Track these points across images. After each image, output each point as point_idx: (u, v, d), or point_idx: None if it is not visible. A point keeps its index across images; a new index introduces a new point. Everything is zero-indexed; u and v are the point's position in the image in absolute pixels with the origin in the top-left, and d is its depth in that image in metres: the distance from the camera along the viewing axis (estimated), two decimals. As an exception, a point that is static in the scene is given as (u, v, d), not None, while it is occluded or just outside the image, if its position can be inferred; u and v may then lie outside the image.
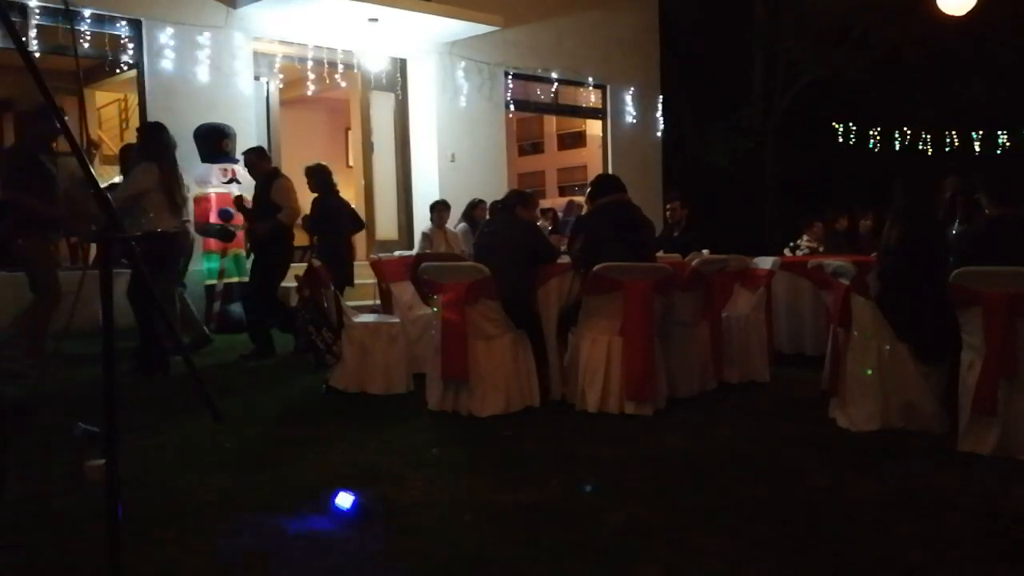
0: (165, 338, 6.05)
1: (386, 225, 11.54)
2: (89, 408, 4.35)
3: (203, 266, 8.51)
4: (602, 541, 2.96)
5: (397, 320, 5.86)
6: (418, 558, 2.84)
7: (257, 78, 10.15)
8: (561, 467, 3.88)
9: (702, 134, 18.28)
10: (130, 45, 9.08)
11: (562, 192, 17.52)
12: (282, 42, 10.21)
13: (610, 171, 12.27)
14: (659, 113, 14.33)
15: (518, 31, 12.05)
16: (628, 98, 13.81)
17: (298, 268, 6.85)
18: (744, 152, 18.19)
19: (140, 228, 5.89)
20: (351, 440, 4.39)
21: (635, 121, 13.92)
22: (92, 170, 1.96)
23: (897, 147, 19.02)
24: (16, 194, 5.91)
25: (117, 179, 7.52)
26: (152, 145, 6.27)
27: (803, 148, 18.21)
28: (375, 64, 11.10)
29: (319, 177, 7.37)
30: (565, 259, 5.50)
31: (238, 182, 8.84)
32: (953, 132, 18.87)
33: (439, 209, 9.69)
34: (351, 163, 12.46)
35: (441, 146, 11.51)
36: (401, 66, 11.50)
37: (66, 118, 2.11)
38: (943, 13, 9.07)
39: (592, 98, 13.59)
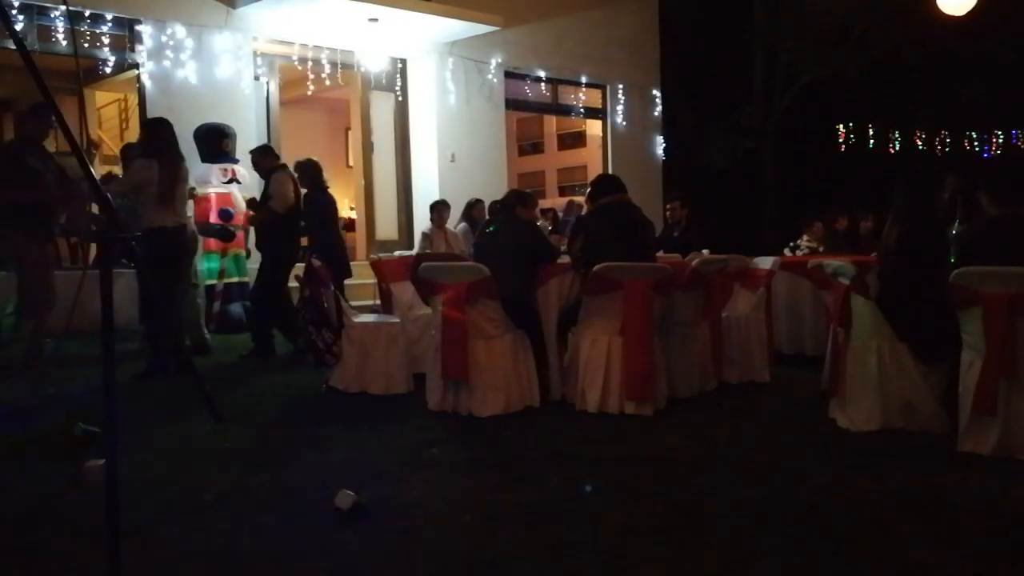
0: (165, 337, 6.05)
1: (386, 225, 11.54)
2: (89, 408, 4.35)
3: (203, 266, 8.51)
4: (602, 541, 2.96)
5: (397, 320, 5.86)
6: (418, 558, 2.84)
7: (257, 78, 10.15)
8: (561, 467, 3.88)
9: (702, 134, 18.28)
10: (130, 45, 9.08)
11: (562, 192, 17.50)
12: (282, 42, 10.21)
13: (610, 171, 12.27)
14: (659, 113, 14.33)
15: (518, 31, 12.05)
16: (628, 98, 13.81)
17: (297, 268, 6.85)
18: (744, 152, 18.20)
19: (136, 224, 5.87)
20: (351, 440, 4.39)
21: (635, 121, 13.91)
22: (92, 170, 1.96)
23: (897, 147, 19.02)
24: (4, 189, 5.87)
25: (116, 169, 7.51)
26: (153, 141, 6.26)
27: (803, 148, 18.22)
28: (375, 64, 11.10)
29: (309, 173, 7.36)
30: (565, 259, 5.50)
31: (238, 182, 8.85)
32: (953, 132, 18.87)
33: (439, 209, 9.69)
34: (351, 163, 12.46)
35: (441, 146, 11.51)
36: (401, 66, 11.50)
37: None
38: (943, 13, 9.07)
39: (592, 98, 13.59)
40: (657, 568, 2.72)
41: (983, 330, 3.91)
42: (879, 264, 4.86)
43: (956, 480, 3.59)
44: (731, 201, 16.81)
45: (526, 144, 18.73)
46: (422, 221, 10.58)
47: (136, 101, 9.68)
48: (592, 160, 15.04)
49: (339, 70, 10.63)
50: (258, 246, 7.58)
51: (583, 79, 13.21)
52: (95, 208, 6.11)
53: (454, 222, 10.10)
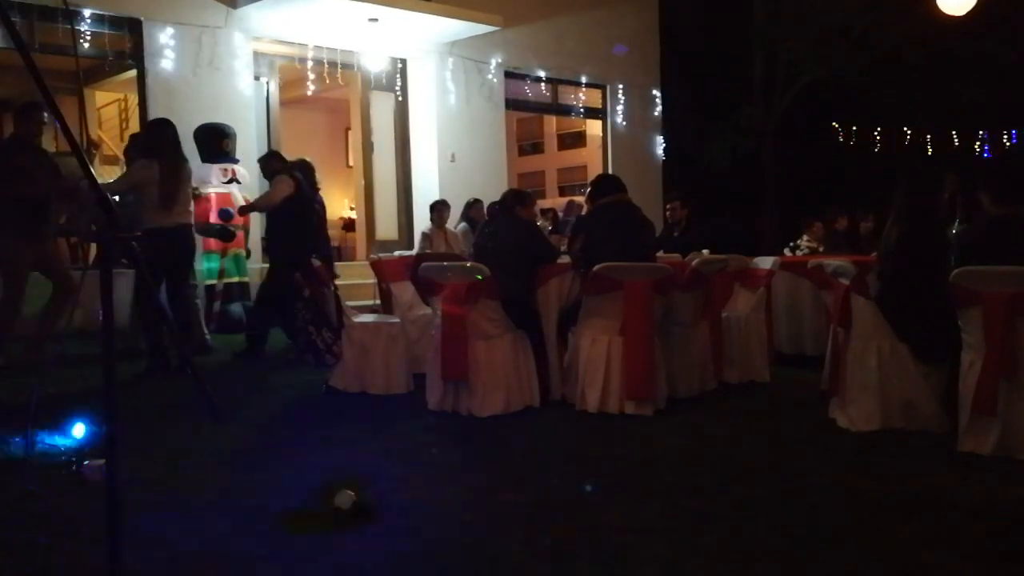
0: (165, 337, 6.05)
1: (386, 225, 11.54)
2: (89, 408, 4.35)
3: (203, 266, 8.51)
4: (602, 541, 2.96)
5: (397, 320, 5.86)
6: (418, 558, 2.84)
7: (257, 78, 10.15)
8: (561, 467, 3.88)
9: (702, 134, 18.27)
10: (130, 45, 9.08)
11: (562, 192, 17.51)
12: (282, 42, 10.22)
13: (610, 171, 12.27)
14: (659, 113, 14.33)
15: (518, 31, 12.05)
16: (628, 98, 13.81)
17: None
18: (744, 152, 18.19)
19: (136, 224, 5.88)
20: (351, 440, 4.39)
21: (635, 121, 13.91)
22: (92, 170, 1.96)
23: (897, 147, 19.02)
24: None
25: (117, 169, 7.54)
26: (155, 142, 6.27)
27: (803, 148, 18.21)
28: (375, 64, 11.09)
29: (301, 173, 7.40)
30: (565, 259, 5.50)
31: (238, 182, 8.85)
32: (953, 132, 18.87)
33: (439, 209, 9.69)
34: (351, 163, 12.46)
35: (441, 146, 11.51)
36: (401, 66, 11.50)
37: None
38: (943, 13, 9.07)
39: (592, 98, 13.59)
40: (657, 568, 2.72)
41: (983, 330, 3.91)
42: (879, 264, 4.86)
43: (956, 480, 3.59)
44: (731, 201, 16.81)
45: (526, 144, 18.73)
46: (422, 221, 10.58)
47: (136, 101, 9.69)
48: (592, 160, 15.04)
49: (339, 70, 10.63)
50: (268, 248, 7.60)
51: (583, 79, 13.20)
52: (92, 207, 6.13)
53: (454, 222, 10.10)
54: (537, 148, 18.93)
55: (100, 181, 1.97)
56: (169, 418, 4.88)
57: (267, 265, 7.71)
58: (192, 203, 7.14)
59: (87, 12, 8.65)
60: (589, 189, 6.05)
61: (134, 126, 10.58)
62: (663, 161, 14.47)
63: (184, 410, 4.97)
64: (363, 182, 11.28)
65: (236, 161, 8.96)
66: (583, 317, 5.10)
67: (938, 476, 3.66)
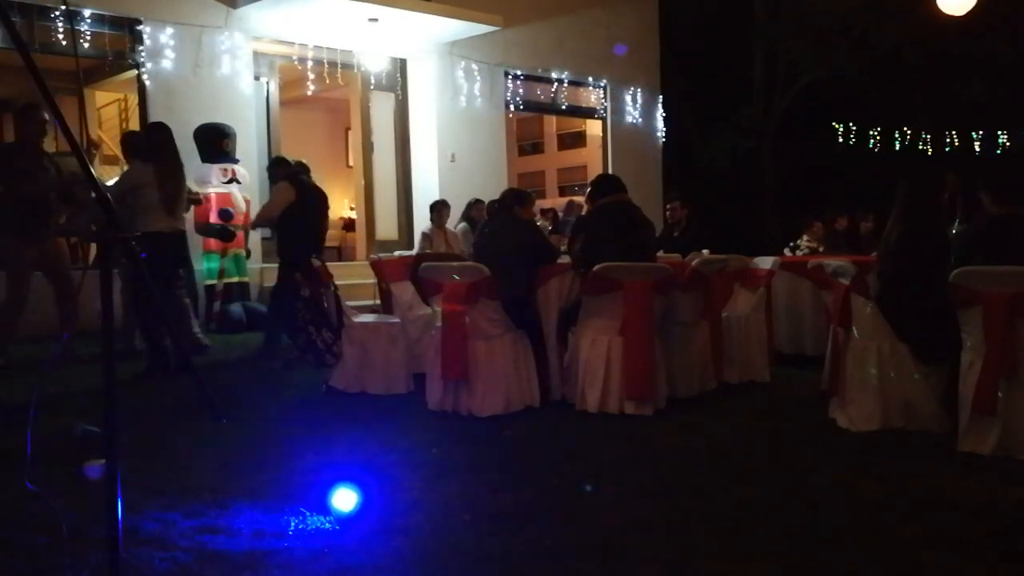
0: (165, 338, 6.06)
1: (386, 225, 11.54)
2: (89, 408, 4.36)
3: (203, 266, 8.51)
4: (602, 541, 2.96)
5: (397, 320, 5.86)
6: (418, 558, 2.84)
7: (257, 78, 10.15)
8: (561, 467, 3.88)
9: (702, 134, 18.27)
10: (130, 45, 9.08)
11: (562, 192, 17.50)
12: (282, 42, 10.21)
13: (610, 171, 12.27)
14: (659, 113, 14.33)
15: (518, 31, 12.05)
16: (628, 98, 13.82)
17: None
18: (744, 152, 18.19)
19: (133, 227, 5.89)
20: (351, 440, 4.39)
21: (635, 121, 13.92)
22: (92, 170, 1.96)
23: (897, 147, 19.02)
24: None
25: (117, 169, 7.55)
26: (151, 145, 6.28)
27: (803, 148, 18.21)
28: (375, 64, 11.09)
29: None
30: (565, 259, 5.50)
31: (238, 182, 8.86)
32: (953, 132, 18.87)
33: (439, 209, 9.69)
34: (351, 163, 12.46)
35: (441, 146, 11.51)
36: (401, 66, 11.50)
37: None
38: (943, 13, 9.07)
39: (592, 98, 13.59)
40: (657, 568, 2.72)
41: (983, 330, 3.91)
42: (879, 264, 4.86)
43: (956, 480, 3.59)
44: (731, 201, 16.81)
45: (526, 144, 18.72)
46: (422, 221, 10.58)
47: (136, 101, 9.68)
48: (592, 160, 15.04)
49: (339, 70, 10.63)
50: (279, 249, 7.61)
51: (583, 79, 13.20)
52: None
53: (454, 222, 10.10)
54: (537, 148, 18.92)
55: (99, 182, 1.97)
56: (169, 418, 4.87)
57: (266, 265, 7.75)
58: (191, 208, 7.17)
59: (87, 12, 8.65)
60: (589, 189, 6.05)
61: (134, 126, 10.57)
62: (663, 161, 14.47)
63: (184, 410, 4.97)
64: (363, 182, 11.28)
65: (236, 161, 8.96)
66: (583, 317, 5.10)
67: (938, 476, 3.66)
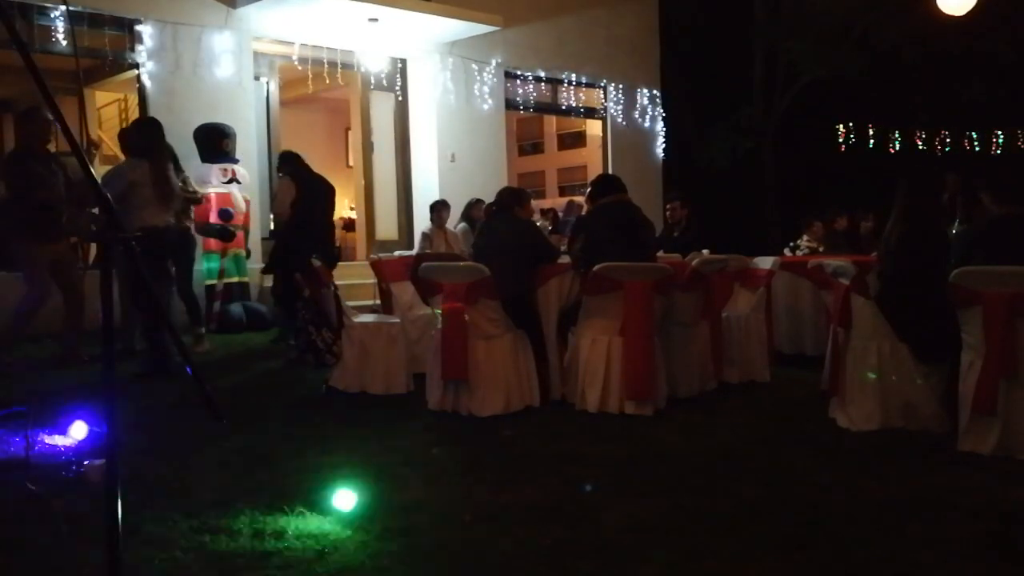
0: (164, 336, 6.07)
1: (386, 225, 11.53)
2: (89, 408, 4.35)
3: (203, 266, 8.51)
4: (602, 541, 2.96)
5: (397, 320, 5.86)
6: (418, 558, 2.84)
7: (257, 78, 10.15)
8: (561, 467, 3.88)
9: (702, 134, 18.27)
10: (130, 45, 9.08)
11: (562, 192, 17.52)
12: (282, 42, 10.21)
13: (610, 171, 12.26)
14: (659, 113, 14.33)
15: (518, 31, 12.05)
16: (628, 98, 13.81)
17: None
18: (744, 152, 18.19)
19: (129, 224, 5.92)
20: (351, 440, 4.39)
21: (635, 121, 13.91)
22: (92, 170, 1.96)
23: (897, 147, 19.02)
24: (14, 195, 6.01)
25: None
26: (144, 141, 6.30)
27: (803, 148, 18.21)
28: (375, 64, 11.09)
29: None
30: (565, 259, 5.50)
31: (238, 182, 8.85)
32: (953, 132, 18.87)
33: (439, 209, 9.69)
34: (351, 163, 12.46)
35: (441, 146, 11.51)
36: (401, 66, 11.50)
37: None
38: (943, 13, 9.07)
39: (592, 98, 13.59)
40: (657, 568, 2.72)
41: (983, 330, 3.91)
42: (879, 264, 4.86)
43: (956, 480, 3.59)
44: (731, 201, 16.80)
45: (526, 144, 18.74)
46: (422, 221, 10.58)
47: (136, 101, 9.68)
48: (592, 160, 15.04)
49: (339, 70, 10.63)
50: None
51: (583, 79, 13.20)
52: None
53: (454, 222, 10.09)
54: (537, 148, 18.94)
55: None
56: (169, 418, 4.88)
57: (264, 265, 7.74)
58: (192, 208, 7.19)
59: (87, 12, 8.64)
60: (589, 189, 6.05)
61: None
62: (663, 161, 14.47)
63: (184, 410, 4.97)
64: (363, 182, 11.28)
65: (236, 161, 8.96)
66: (583, 317, 5.10)
67: (938, 476, 3.66)
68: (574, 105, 13.37)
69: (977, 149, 18.79)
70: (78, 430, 4.22)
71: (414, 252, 8.88)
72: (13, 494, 3.50)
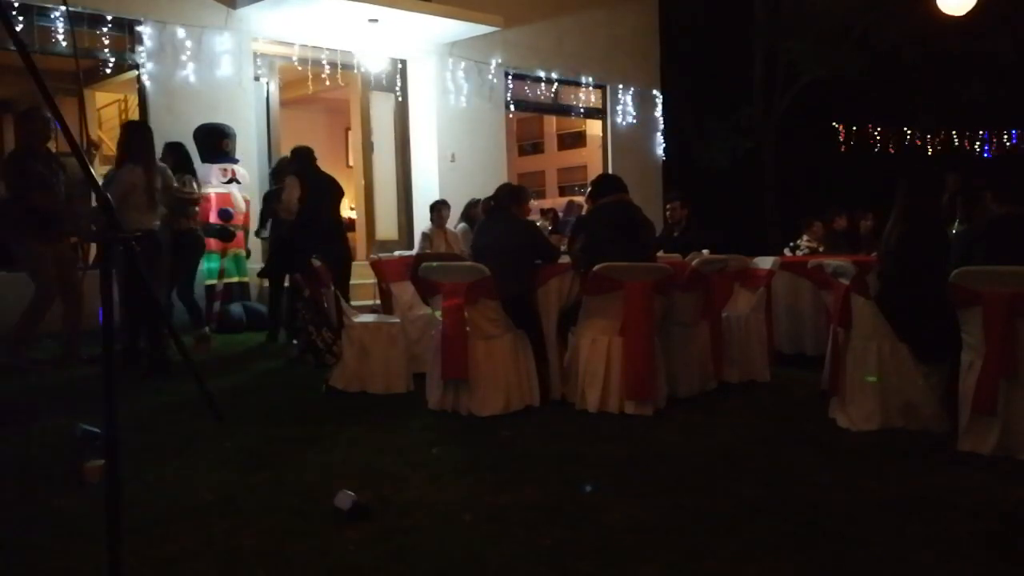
0: (163, 338, 6.08)
1: (386, 225, 11.54)
2: (89, 408, 4.35)
3: (203, 266, 8.50)
4: (602, 541, 2.96)
5: (397, 320, 5.86)
6: (418, 558, 2.84)
7: (257, 78, 10.15)
8: (561, 467, 3.88)
9: (702, 134, 18.27)
10: (130, 45, 9.08)
11: (562, 192, 17.51)
12: (282, 42, 10.21)
13: (610, 171, 12.26)
14: (659, 113, 14.33)
15: (518, 31, 12.05)
16: (628, 98, 13.81)
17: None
18: (744, 152, 18.20)
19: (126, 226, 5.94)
20: (351, 440, 4.39)
21: (635, 121, 13.91)
22: (92, 170, 1.96)
23: (897, 147, 19.03)
24: (14, 195, 6.03)
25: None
26: (136, 145, 6.31)
27: (803, 148, 18.22)
28: (375, 64, 11.09)
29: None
30: (565, 259, 5.50)
31: (238, 182, 8.85)
32: (953, 132, 18.88)
33: (439, 209, 9.68)
34: (351, 163, 12.46)
35: (441, 146, 11.51)
36: (401, 66, 11.50)
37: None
38: (943, 13, 9.07)
39: (592, 98, 13.59)
40: (657, 568, 2.72)
41: (983, 330, 3.91)
42: (879, 264, 4.86)
43: (956, 480, 3.59)
44: (731, 201, 16.81)
45: (526, 144, 18.73)
46: (422, 221, 10.58)
47: (136, 101, 9.68)
48: (592, 160, 15.04)
49: (339, 70, 10.63)
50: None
51: (583, 79, 13.20)
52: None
53: (454, 222, 10.09)
54: (537, 148, 18.93)
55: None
56: (169, 418, 4.88)
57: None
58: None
59: (87, 12, 8.64)
60: (590, 189, 6.05)
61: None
62: (663, 161, 14.47)
63: (184, 410, 4.97)
64: (363, 182, 11.28)
65: (236, 161, 8.96)
66: (583, 317, 5.10)
67: (938, 476, 3.66)
68: (574, 105, 13.37)
69: (977, 149, 18.79)
70: (78, 430, 4.22)
71: (414, 252, 8.88)
72: (13, 494, 3.50)
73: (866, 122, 18.79)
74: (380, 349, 5.55)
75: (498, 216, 5.66)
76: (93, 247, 7.48)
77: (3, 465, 3.91)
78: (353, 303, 6.66)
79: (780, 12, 17.59)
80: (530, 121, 17.28)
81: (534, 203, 10.86)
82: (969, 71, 17.39)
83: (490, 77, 11.95)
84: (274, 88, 10.51)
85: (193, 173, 7.44)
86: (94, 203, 6.50)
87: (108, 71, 9.53)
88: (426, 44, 11.21)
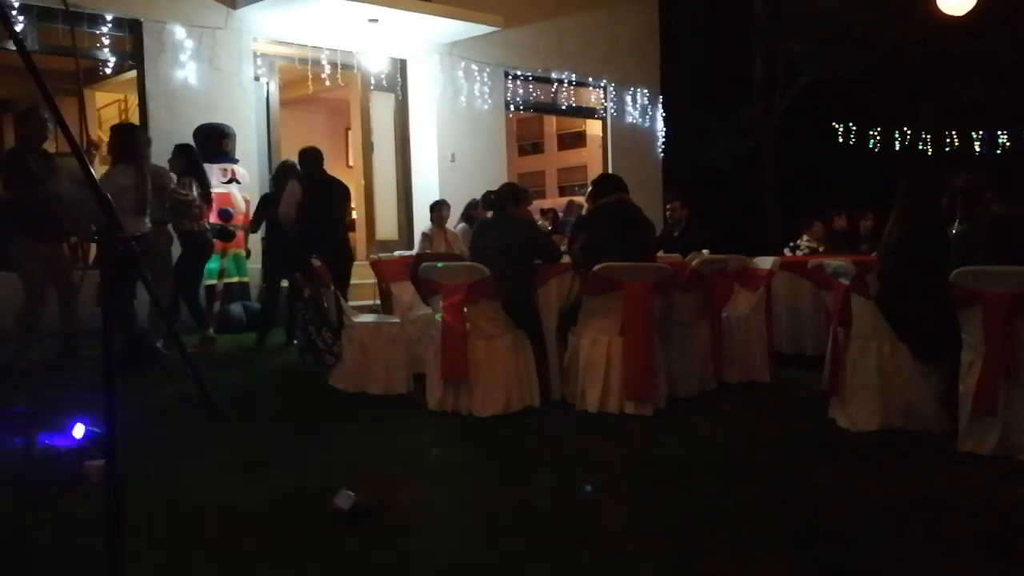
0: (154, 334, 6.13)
1: (386, 225, 11.54)
2: (89, 408, 4.35)
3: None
4: (602, 541, 2.96)
5: (397, 320, 5.86)
6: (418, 558, 2.84)
7: (257, 78, 10.15)
8: (561, 467, 3.88)
9: (702, 134, 18.27)
10: (130, 46, 9.08)
11: (562, 192, 17.50)
12: (282, 42, 10.21)
13: (610, 171, 12.26)
14: (659, 113, 14.33)
15: (518, 31, 12.05)
16: (628, 98, 13.81)
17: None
18: (744, 152, 18.20)
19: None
20: (351, 440, 4.39)
21: (635, 121, 13.92)
22: (92, 170, 1.96)
23: (897, 147, 19.03)
24: (11, 194, 6.03)
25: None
26: (125, 147, 6.32)
27: (803, 148, 18.22)
28: (375, 64, 11.09)
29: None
30: (565, 259, 5.50)
31: (238, 182, 8.85)
32: (953, 132, 18.88)
33: (439, 209, 9.68)
34: (351, 163, 12.46)
35: (441, 146, 11.51)
36: (401, 66, 11.50)
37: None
38: (943, 13, 9.07)
39: (592, 98, 13.59)
40: (657, 568, 2.72)
41: (983, 330, 3.91)
42: (879, 264, 4.86)
43: (956, 480, 3.59)
44: (731, 201, 16.81)
45: (526, 144, 18.72)
46: (422, 221, 10.58)
47: (136, 101, 9.68)
48: (592, 160, 15.03)
49: (339, 70, 10.63)
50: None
51: (583, 79, 13.20)
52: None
53: (454, 222, 10.09)
54: (537, 148, 18.92)
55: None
56: (168, 417, 4.88)
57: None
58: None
59: (87, 12, 8.64)
60: (590, 189, 6.05)
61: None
62: (663, 161, 14.47)
63: (184, 410, 4.97)
64: (363, 182, 11.27)
65: (236, 161, 8.96)
66: (583, 317, 5.10)
67: (938, 476, 3.66)
68: (574, 105, 13.37)
69: (977, 149, 18.79)
70: (78, 430, 4.22)
71: (414, 252, 8.88)
72: (13, 494, 3.50)
73: (866, 122, 18.78)
74: (380, 349, 5.55)
75: (495, 216, 5.67)
76: (93, 247, 7.48)
77: (3, 465, 3.91)
78: (353, 303, 6.66)
79: (780, 12, 17.59)
80: (530, 121, 17.27)
81: (535, 203, 10.85)
82: (969, 71, 17.39)
83: (490, 77, 11.94)
84: (274, 88, 10.51)
85: (202, 176, 7.43)
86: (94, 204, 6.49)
87: (108, 71, 9.53)
88: (426, 44, 11.21)
